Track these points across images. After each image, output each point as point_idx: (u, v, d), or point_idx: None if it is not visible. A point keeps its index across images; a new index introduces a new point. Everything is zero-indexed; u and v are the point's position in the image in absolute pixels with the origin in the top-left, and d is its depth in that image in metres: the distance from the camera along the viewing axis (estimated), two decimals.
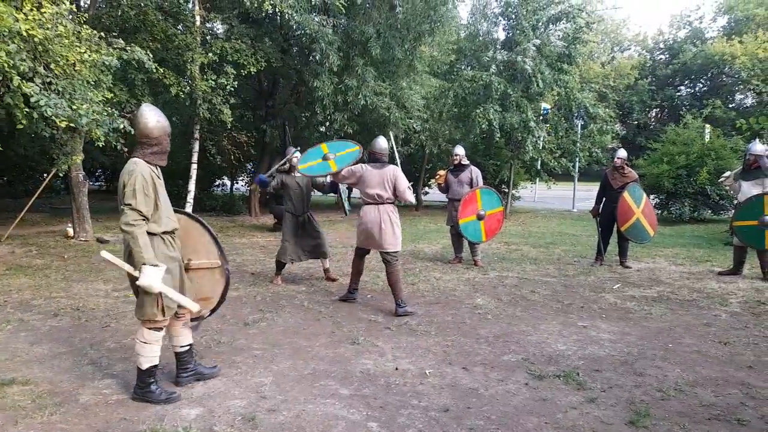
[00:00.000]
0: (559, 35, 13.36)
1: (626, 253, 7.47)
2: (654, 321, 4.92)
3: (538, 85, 12.97)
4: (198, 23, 9.67)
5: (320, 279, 6.60)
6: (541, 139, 13.80)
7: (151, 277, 2.97)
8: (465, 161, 7.72)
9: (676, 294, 5.91)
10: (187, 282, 3.37)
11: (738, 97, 35.37)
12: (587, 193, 18.47)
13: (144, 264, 2.97)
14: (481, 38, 14.78)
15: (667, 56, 37.55)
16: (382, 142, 5.45)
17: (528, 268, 7.38)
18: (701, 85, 36.53)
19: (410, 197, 5.41)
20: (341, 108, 10.75)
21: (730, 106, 31.78)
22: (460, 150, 7.78)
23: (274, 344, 4.28)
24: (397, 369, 3.77)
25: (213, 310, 3.66)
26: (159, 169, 3.28)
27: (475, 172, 7.65)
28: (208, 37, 10.15)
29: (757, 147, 6.79)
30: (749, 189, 6.69)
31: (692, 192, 12.78)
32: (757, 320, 4.92)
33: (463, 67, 13.86)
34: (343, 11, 9.79)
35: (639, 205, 7.24)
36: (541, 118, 14.28)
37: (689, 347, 4.23)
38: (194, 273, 3.47)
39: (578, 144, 14.79)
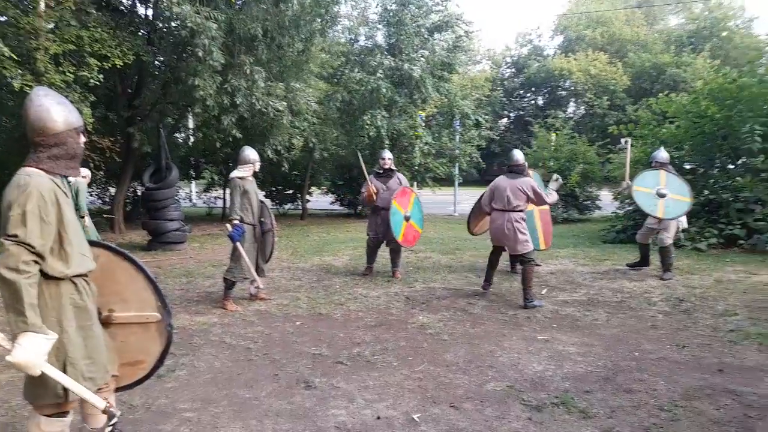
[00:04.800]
0: (442, 45, 13.54)
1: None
2: (604, 328, 4.84)
3: (424, 92, 12.97)
4: (42, 6, 8.01)
5: (237, 302, 5.62)
6: (426, 145, 13.88)
7: (31, 353, 1.95)
8: (393, 166, 7.26)
9: (603, 296, 5.98)
10: (108, 340, 2.41)
11: (571, 107, 39.57)
12: (466, 197, 19.11)
13: (25, 332, 1.96)
14: (361, 43, 14.52)
15: (514, 70, 40.78)
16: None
17: (449, 277, 7.09)
18: (544, 97, 40.19)
19: None
20: (228, 110, 9.65)
21: (569, 116, 35.35)
22: (388, 154, 7.33)
23: (208, 400, 3.39)
24: (379, 418, 3.14)
25: (139, 382, 2.68)
26: (67, 182, 2.30)
27: (402, 178, 7.26)
28: (60, 23, 8.45)
29: (662, 154, 7.23)
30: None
31: (563, 195, 13.66)
32: (690, 318, 5.07)
33: (347, 71, 13.42)
34: (232, 4, 8.77)
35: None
36: (423, 124, 14.37)
37: (653, 354, 4.16)
38: (119, 328, 2.50)
39: (459, 149, 15.15)
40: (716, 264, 7.51)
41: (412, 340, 4.52)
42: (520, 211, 5.69)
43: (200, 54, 8.75)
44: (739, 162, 9.78)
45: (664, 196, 6.69)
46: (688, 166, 9.82)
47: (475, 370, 3.85)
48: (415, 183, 17.68)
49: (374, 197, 6.91)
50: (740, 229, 8.52)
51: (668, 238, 6.73)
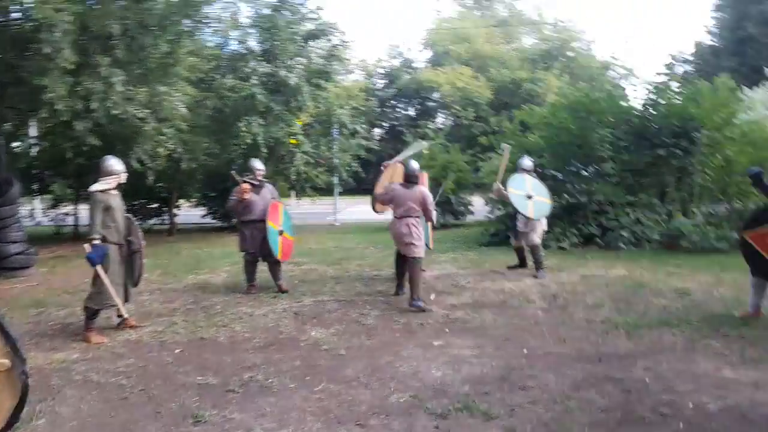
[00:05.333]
0: (318, 53, 13.42)
1: None
2: (493, 328, 5.00)
3: (301, 100, 12.74)
4: None
5: (102, 332, 4.95)
6: (305, 153, 13.67)
7: None
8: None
9: (487, 297, 6.21)
10: None
11: (440, 118, 41.63)
12: (346, 206, 19.02)
13: None
14: (232, 47, 13.93)
15: (387, 81, 41.95)
16: None
17: (337, 288, 6.93)
18: (415, 108, 41.79)
19: None
20: (82, 116, 8.61)
21: (440, 126, 37.12)
22: (261, 164, 6.99)
23: None
24: None
25: None
26: None
27: (273, 190, 7.01)
28: None
29: (527, 162, 7.75)
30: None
31: (441, 201, 14.19)
32: (566, 313, 5.43)
33: (219, 76, 12.74)
34: None
35: None
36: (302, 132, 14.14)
37: (540, 350, 4.36)
38: None
39: (338, 158, 15.11)
40: (579, 261, 8.20)
41: (307, 359, 4.29)
42: (417, 217, 5.91)
43: (48, 51, 7.72)
44: (591, 168, 10.85)
45: (531, 197, 7.23)
46: (550, 173, 10.67)
47: (377, 383, 3.74)
48: (293, 193, 17.42)
49: (248, 193, 6.55)
50: (596, 228, 9.43)
51: (537, 237, 7.26)
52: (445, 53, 39.39)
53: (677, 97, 10.16)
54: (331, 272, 8.10)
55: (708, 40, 37.60)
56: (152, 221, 15.40)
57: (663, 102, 10.19)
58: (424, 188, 6.07)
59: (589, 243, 9.43)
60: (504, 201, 9.01)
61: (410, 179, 6.01)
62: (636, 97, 11.03)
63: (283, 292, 6.72)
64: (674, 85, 10.37)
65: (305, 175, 14.13)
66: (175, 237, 13.92)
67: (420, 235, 5.91)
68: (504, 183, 7.70)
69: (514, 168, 8.01)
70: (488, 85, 35.88)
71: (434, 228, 6.16)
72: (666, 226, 9.26)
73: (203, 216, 16.86)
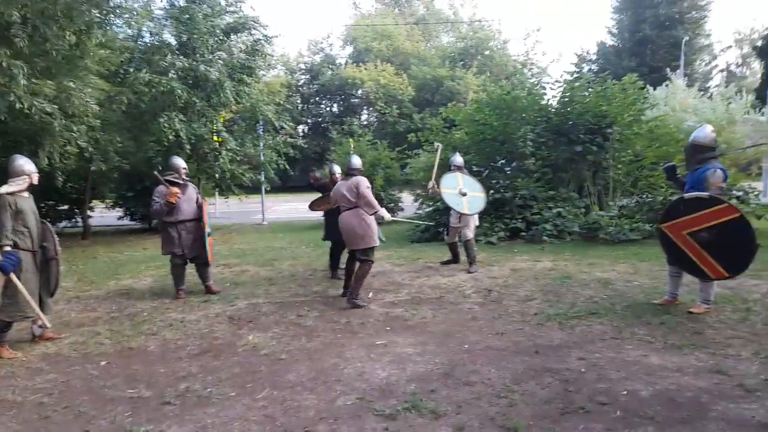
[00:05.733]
0: (240, 47, 12.98)
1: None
2: (433, 324, 5.05)
3: (223, 95, 12.28)
4: None
5: (16, 347, 4.51)
6: (230, 151, 13.20)
7: None
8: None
9: (424, 294, 6.27)
10: None
11: (365, 115, 41.69)
12: (273, 205, 18.49)
13: None
14: (146, 40, 13.19)
15: (309, 77, 41.43)
16: None
17: (272, 290, 6.75)
18: (339, 105, 41.57)
19: None
20: None
21: (364, 123, 37.21)
22: (184, 163, 6.69)
23: None
24: None
25: None
26: None
27: (195, 189, 6.74)
28: None
29: (458, 159, 7.91)
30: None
31: None
32: (501, 306, 5.58)
33: (133, 70, 11.99)
34: None
35: None
36: (225, 129, 13.65)
37: (479, 344, 4.46)
38: None
39: (264, 155, 14.71)
40: (507, 255, 8.48)
41: (246, 365, 4.14)
42: (356, 207, 5.78)
43: None
44: (513, 164, 11.27)
45: (465, 194, 7.39)
46: (475, 169, 10.96)
47: (322, 387, 3.66)
48: (216, 192, 16.78)
49: (175, 197, 6.27)
50: (521, 222, 9.80)
51: (470, 232, 7.44)
52: (366, 50, 39.48)
53: (588, 95, 10.73)
54: (264, 273, 7.88)
55: (609, 41, 40.34)
56: (63, 224, 14.34)
57: (576, 100, 10.75)
58: (360, 177, 5.88)
59: (515, 237, 9.80)
60: (436, 198, 9.18)
61: (349, 172, 5.97)
62: (554, 95, 11.47)
63: (214, 293, 6.49)
64: (585, 83, 10.91)
65: (231, 173, 13.65)
66: (90, 240, 13.04)
67: (365, 226, 5.73)
68: (438, 181, 7.82)
69: (447, 165, 8.15)
70: (410, 83, 36.38)
71: (380, 223, 6.06)
72: (585, 219, 9.79)
73: (120, 218, 15.93)
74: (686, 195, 4.85)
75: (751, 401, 3.19)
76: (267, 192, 16.74)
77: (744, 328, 4.51)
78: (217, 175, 13.50)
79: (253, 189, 15.86)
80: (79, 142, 9.75)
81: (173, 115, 11.48)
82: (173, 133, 11.36)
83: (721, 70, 41.01)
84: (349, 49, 42.62)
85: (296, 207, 22.15)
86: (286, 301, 6.16)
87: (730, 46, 42.25)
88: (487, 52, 39.60)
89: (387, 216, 6.16)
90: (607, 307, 5.29)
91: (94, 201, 15.25)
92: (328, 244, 7.44)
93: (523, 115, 10.87)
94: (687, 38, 34.30)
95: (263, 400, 3.49)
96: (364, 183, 5.82)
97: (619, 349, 4.16)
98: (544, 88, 11.52)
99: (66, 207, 14.73)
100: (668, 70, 21.56)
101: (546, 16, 76.55)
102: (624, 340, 4.37)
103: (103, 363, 4.29)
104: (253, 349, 4.52)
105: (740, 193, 9.23)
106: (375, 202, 5.85)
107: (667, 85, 15.52)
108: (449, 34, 45.84)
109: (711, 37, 39.87)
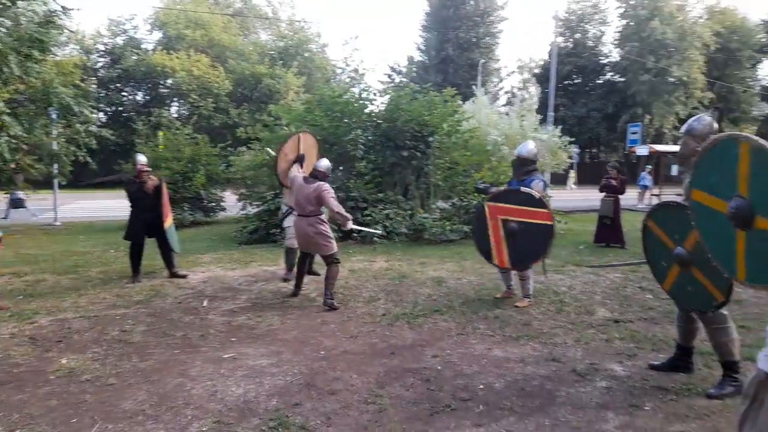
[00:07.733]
0: (31, 16, 10.94)
1: (173, 262, 7.05)
2: (283, 332, 4.78)
3: (7, 70, 10.24)
4: None
5: None
6: (14, 139, 11.03)
7: None
8: None
9: (265, 299, 5.93)
10: None
11: (175, 107, 38.56)
12: (67, 202, 15.77)
13: None
14: None
15: (109, 60, 37.02)
16: None
17: (81, 302, 5.75)
18: (145, 94, 37.87)
19: None
20: None
21: (175, 115, 34.42)
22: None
23: None
24: None
25: None
26: None
27: None
28: None
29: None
30: None
31: (190, 197, 13.16)
32: (348, 309, 5.51)
33: None
34: None
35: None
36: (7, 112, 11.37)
37: (335, 349, 4.33)
38: None
39: (58, 145, 12.59)
40: (343, 255, 8.42)
41: (65, 395, 3.42)
42: (317, 215, 5.61)
43: None
44: (342, 167, 11.38)
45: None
46: None
47: (169, 414, 3.18)
48: None
49: None
50: (354, 223, 9.91)
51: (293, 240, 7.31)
52: (179, 37, 36.72)
53: (412, 103, 11.32)
54: (68, 282, 6.71)
55: (418, 57, 43.62)
56: None
57: (401, 108, 11.26)
58: (323, 184, 5.53)
59: (347, 238, 9.88)
60: (266, 198, 8.82)
61: (314, 174, 5.70)
62: (382, 102, 11.86)
63: (3, 309, 5.33)
64: (410, 92, 11.48)
65: (14, 163, 11.43)
66: None
67: (326, 231, 5.63)
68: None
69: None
70: (228, 77, 34.80)
71: (346, 230, 6.09)
72: (411, 220, 10.30)
73: None
74: (524, 189, 5.35)
75: (585, 384, 3.60)
76: (62, 188, 14.45)
77: (562, 318, 5.12)
78: None
79: (44, 183, 13.54)
80: None
81: None
82: None
83: (507, 92, 46.96)
84: (158, 35, 39.22)
85: (96, 205, 19.57)
86: (103, 314, 5.30)
87: (514, 71, 48.51)
88: (307, 54, 39.73)
89: (351, 226, 5.99)
90: (447, 304, 5.58)
91: None
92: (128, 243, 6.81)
93: (354, 119, 11.04)
94: (483, 61, 38.53)
95: None
96: (329, 193, 5.51)
97: (466, 345, 4.38)
98: (375, 94, 11.82)
99: None
100: (474, 87, 23.91)
101: (363, 25, 79.85)
102: (468, 335, 4.63)
103: None
104: (69, 374, 3.77)
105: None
106: (346, 213, 5.70)
107: (473, 101, 17.17)
108: (268, 31, 44.99)
109: (500, 62, 45.54)
